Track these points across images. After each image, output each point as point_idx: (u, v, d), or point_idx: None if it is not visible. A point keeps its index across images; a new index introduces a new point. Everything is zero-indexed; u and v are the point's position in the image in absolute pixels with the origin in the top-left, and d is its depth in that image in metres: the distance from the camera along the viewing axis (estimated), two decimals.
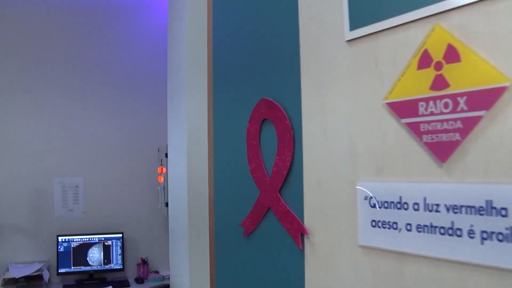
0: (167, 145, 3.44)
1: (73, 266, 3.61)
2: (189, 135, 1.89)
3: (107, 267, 3.68)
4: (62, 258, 3.60)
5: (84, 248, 3.65)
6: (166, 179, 3.40)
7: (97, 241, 3.68)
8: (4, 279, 3.27)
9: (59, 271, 3.59)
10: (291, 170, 1.32)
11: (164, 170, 3.46)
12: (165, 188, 3.42)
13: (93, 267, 3.65)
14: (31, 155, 3.68)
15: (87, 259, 3.65)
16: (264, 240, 1.44)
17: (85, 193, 3.79)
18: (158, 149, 3.73)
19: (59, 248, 3.60)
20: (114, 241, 3.71)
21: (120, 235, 3.73)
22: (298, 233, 1.27)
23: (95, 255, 3.67)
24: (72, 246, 3.63)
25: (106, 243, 3.69)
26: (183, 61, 1.96)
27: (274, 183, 1.38)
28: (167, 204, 3.37)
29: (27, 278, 3.33)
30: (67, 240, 3.62)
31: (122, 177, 3.88)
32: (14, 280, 3.28)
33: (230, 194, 1.65)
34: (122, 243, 3.72)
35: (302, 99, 1.27)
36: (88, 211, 3.79)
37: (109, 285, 3.47)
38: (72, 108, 3.80)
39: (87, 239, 3.66)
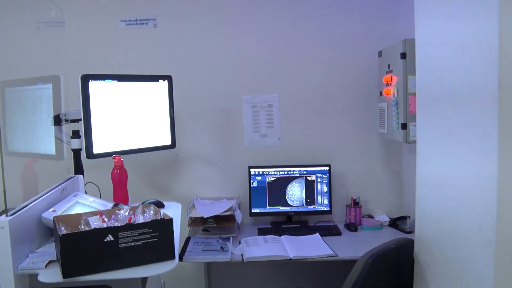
0: (404, 42, 2.44)
1: (269, 206, 2.89)
2: None
3: (310, 208, 2.88)
4: (255, 195, 2.89)
5: (282, 183, 2.88)
6: (400, 91, 2.40)
7: (298, 175, 2.88)
8: (190, 217, 2.67)
9: (252, 210, 2.89)
10: None
11: (395, 79, 2.47)
12: (398, 103, 2.44)
13: (293, 208, 2.88)
14: (219, 70, 2.93)
15: (286, 197, 2.89)
16: None
17: (281, 115, 2.96)
18: (380, 52, 2.72)
19: (252, 183, 2.88)
20: (319, 175, 2.88)
21: (327, 168, 2.88)
22: None
23: (295, 193, 2.89)
24: (267, 180, 2.88)
25: (309, 178, 2.88)
26: None
27: None
28: (404, 126, 2.40)
29: (217, 218, 2.68)
30: (261, 173, 2.88)
31: (327, 92, 2.97)
32: (202, 220, 2.66)
33: None
34: (329, 178, 2.88)
35: None
36: (285, 137, 2.97)
37: (315, 233, 2.69)
38: (263, 11, 2.93)
39: (286, 173, 2.88)
